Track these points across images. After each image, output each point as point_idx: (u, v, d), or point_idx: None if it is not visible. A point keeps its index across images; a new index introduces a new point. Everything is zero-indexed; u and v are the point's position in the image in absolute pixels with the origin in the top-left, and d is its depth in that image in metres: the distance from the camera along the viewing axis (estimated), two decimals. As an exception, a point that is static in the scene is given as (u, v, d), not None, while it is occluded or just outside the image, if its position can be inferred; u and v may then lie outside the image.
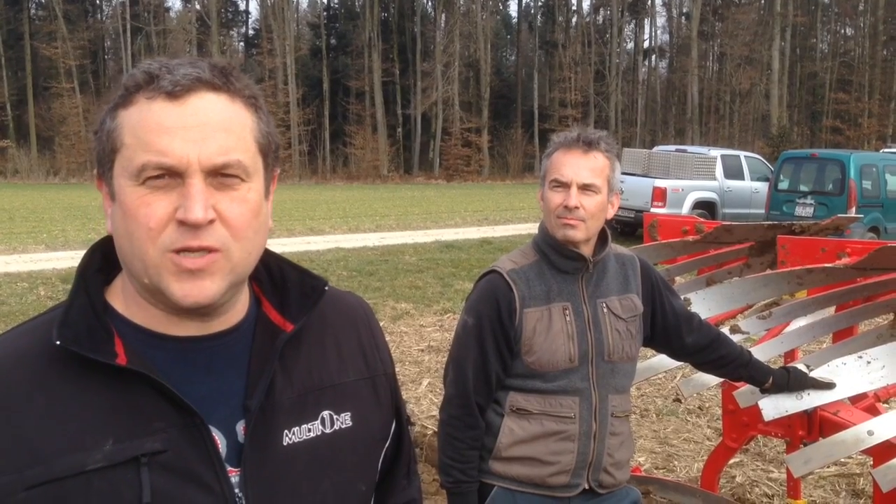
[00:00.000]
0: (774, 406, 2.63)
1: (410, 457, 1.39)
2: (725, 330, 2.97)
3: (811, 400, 2.65)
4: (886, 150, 22.01)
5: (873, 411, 3.21)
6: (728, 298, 3.20)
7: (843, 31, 59.51)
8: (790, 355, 3.52)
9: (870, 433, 2.63)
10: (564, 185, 2.28)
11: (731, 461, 4.47)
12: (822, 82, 54.73)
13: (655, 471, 4.92)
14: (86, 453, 0.97)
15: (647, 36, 62.31)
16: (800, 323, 3.28)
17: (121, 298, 1.08)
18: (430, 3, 56.72)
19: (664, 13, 61.99)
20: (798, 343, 3.31)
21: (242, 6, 61.26)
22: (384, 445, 1.27)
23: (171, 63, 1.00)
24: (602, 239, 2.39)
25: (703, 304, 3.12)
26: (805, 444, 3.06)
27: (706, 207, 17.09)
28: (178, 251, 0.98)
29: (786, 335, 3.24)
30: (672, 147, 20.88)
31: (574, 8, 59.23)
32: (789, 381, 2.61)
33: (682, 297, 2.73)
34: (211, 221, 0.98)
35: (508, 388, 2.35)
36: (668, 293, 2.51)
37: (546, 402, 2.31)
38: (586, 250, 2.33)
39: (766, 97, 51.74)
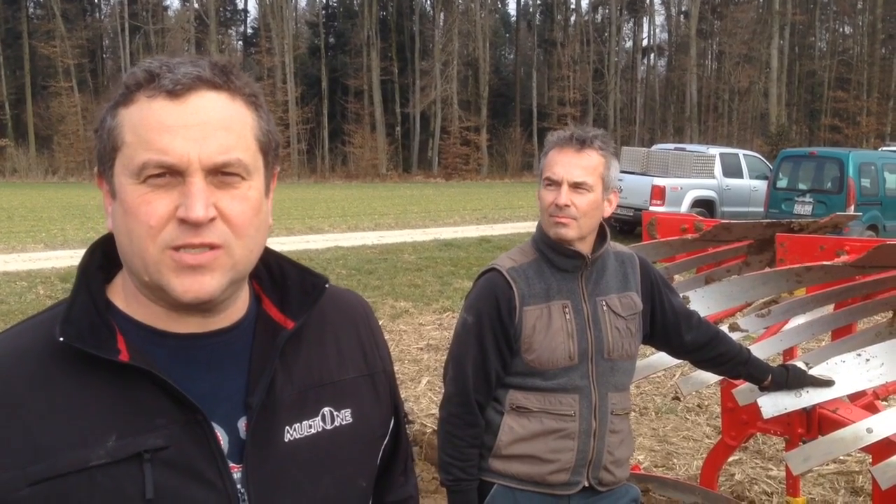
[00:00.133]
0: (773, 404, 2.63)
1: (407, 454, 1.40)
2: (724, 328, 2.97)
3: (810, 398, 2.65)
4: (885, 148, 22.03)
5: (872, 409, 3.21)
6: (727, 296, 3.20)
7: (841, 29, 59.55)
8: (789, 353, 3.52)
9: (869, 431, 2.63)
10: (556, 184, 2.29)
11: (731, 459, 4.47)
12: (820, 81, 54.76)
13: (655, 469, 4.92)
14: (89, 449, 0.97)
15: (645, 34, 62.39)
16: (799, 321, 3.28)
17: (122, 296, 1.09)
18: (428, 2, 56.71)
19: (663, 11, 62.01)
20: (797, 341, 3.32)
21: (241, 5, 61.20)
22: (383, 442, 1.28)
23: (172, 62, 1.00)
24: (601, 236, 2.40)
25: (702, 303, 3.12)
26: (804, 442, 3.06)
27: (705, 206, 17.11)
28: (178, 248, 0.98)
29: (785, 333, 3.24)
30: (671, 145, 20.91)
31: (573, 6, 59.28)
32: (788, 378, 2.61)
33: (681, 296, 2.73)
34: (212, 219, 0.98)
35: (508, 386, 2.35)
36: (667, 291, 2.52)
37: (546, 400, 2.31)
38: (583, 248, 2.34)
39: (764, 95, 51.75)
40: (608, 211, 2.37)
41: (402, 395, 1.34)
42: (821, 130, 51.53)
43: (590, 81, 53.74)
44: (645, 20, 61.29)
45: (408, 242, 16.09)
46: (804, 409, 2.99)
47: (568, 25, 58.29)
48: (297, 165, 47.50)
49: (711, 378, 3.36)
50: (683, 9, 58.52)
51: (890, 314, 3.34)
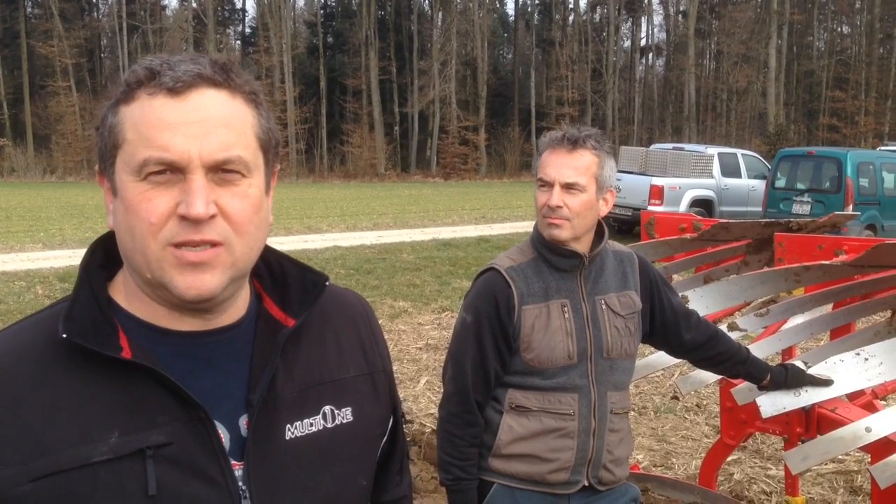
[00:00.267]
0: (772, 403, 2.64)
1: (404, 453, 1.41)
2: (723, 327, 2.97)
3: (809, 397, 2.65)
4: (883, 147, 22.06)
5: (871, 408, 3.22)
6: (725, 296, 3.20)
7: (839, 28, 59.60)
8: (788, 352, 3.52)
9: (868, 430, 2.63)
10: (548, 185, 2.30)
11: (729, 458, 4.48)
12: (818, 80, 54.81)
13: (654, 468, 4.92)
14: (91, 445, 0.98)
15: (644, 34, 62.41)
16: (797, 320, 3.28)
17: (123, 294, 1.09)
18: (426, 2, 56.71)
19: (661, 11, 62.03)
20: (796, 340, 3.32)
21: (239, 4, 61.18)
22: (382, 441, 1.29)
23: (173, 59, 1.01)
24: (598, 235, 2.40)
25: (701, 302, 3.12)
26: (803, 441, 3.07)
27: (703, 205, 17.12)
28: (179, 245, 0.98)
29: (783, 332, 3.24)
30: (669, 145, 20.92)
31: (571, 6, 59.31)
32: (787, 377, 2.61)
33: (679, 295, 2.73)
34: (212, 216, 0.99)
35: (507, 386, 2.35)
36: (666, 290, 2.52)
37: (545, 399, 2.31)
38: (580, 247, 2.34)
39: (762, 95, 51.80)
40: (604, 210, 2.37)
41: (401, 395, 1.34)
42: (819, 130, 51.60)
43: (588, 81, 53.76)
44: (643, 20, 61.37)
45: (406, 242, 16.09)
46: (803, 409, 2.99)
47: (566, 25, 58.30)
48: (296, 165, 47.48)
49: (710, 377, 3.36)
50: (681, 8, 58.58)
51: (888, 313, 3.34)
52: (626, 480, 2.49)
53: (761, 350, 2.98)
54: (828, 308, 3.39)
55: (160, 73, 0.99)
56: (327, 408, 1.16)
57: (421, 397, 6.26)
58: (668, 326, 2.50)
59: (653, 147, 20.07)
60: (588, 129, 2.35)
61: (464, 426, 2.35)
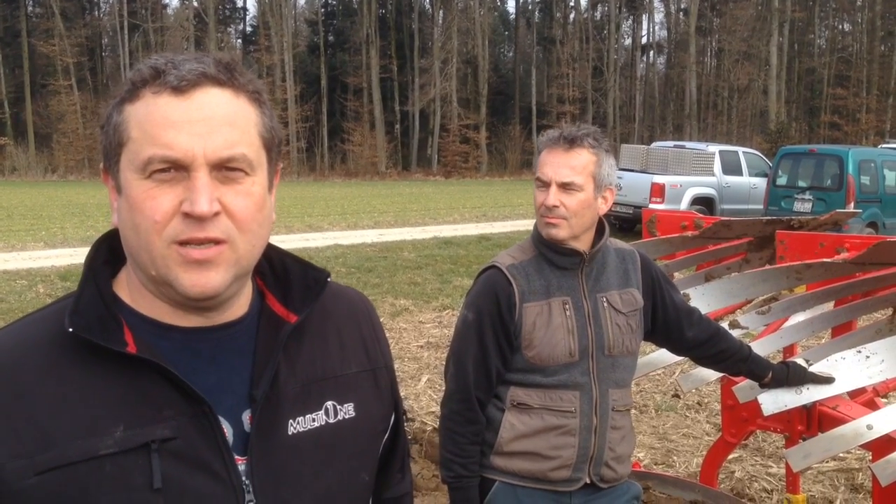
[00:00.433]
0: (774, 401, 2.64)
1: (405, 450, 1.41)
2: (724, 325, 2.97)
3: (810, 395, 2.65)
4: (885, 145, 22.04)
5: (872, 406, 3.22)
6: (727, 294, 3.20)
7: (840, 26, 59.51)
8: (789, 350, 3.52)
9: (869, 427, 2.63)
10: (545, 184, 2.30)
11: (731, 456, 4.48)
12: (820, 78, 54.72)
13: (655, 466, 4.93)
14: (97, 439, 0.98)
15: (644, 32, 62.35)
16: (799, 318, 3.28)
17: (127, 290, 1.10)
18: (427, 0, 56.64)
19: (662, 9, 61.93)
20: (797, 338, 3.32)
21: (240, 3, 61.04)
22: (384, 437, 1.29)
23: (177, 58, 1.02)
24: (599, 232, 2.40)
25: (702, 300, 3.12)
26: (804, 439, 3.07)
27: (704, 203, 17.10)
28: (183, 242, 0.99)
29: (785, 330, 3.25)
30: (670, 143, 20.90)
31: (572, 4, 59.19)
32: (788, 375, 2.61)
33: (681, 293, 2.73)
34: (216, 214, 0.99)
35: (509, 383, 2.36)
36: (668, 287, 2.52)
37: (547, 397, 2.31)
38: (580, 246, 2.34)
39: (764, 93, 51.72)
40: (603, 209, 2.37)
41: (403, 393, 1.35)
42: (820, 128, 51.51)
43: (589, 79, 53.70)
44: (644, 17, 61.34)
45: (407, 240, 16.09)
46: (804, 407, 3.00)
47: (567, 23, 58.25)
48: (297, 163, 47.47)
49: (711, 375, 3.37)
50: (683, 6, 58.51)
51: (890, 311, 3.34)
52: (627, 478, 2.49)
53: (763, 348, 2.98)
54: (829, 306, 3.39)
55: (165, 71, 1.00)
56: (329, 403, 1.17)
57: (422, 395, 6.27)
58: (670, 324, 2.50)
59: (654, 145, 20.06)
60: (587, 127, 2.35)
61: (465, 424, 2.35)
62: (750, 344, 2.79)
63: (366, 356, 1.25)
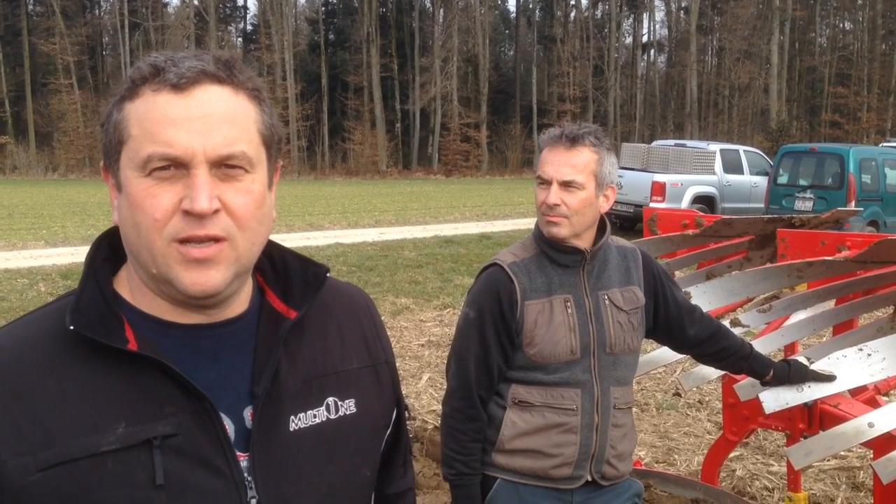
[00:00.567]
0: (775, 399, 2.64)
1: (407, 446, 1.42)
2: (726, 323, 2.97)
3: (812, 392, 2.65)
4: (886, 144, 22.02)
5: (874, 404, 3.21)
6: (728, 292, 3.20)
7: (841, 25, 59.48)
8: (790, 348, 3.52)
9: (870, 425, 2.63)
10: (547, 183, 2.30)
11: (732, 455, 4.48)
12: (821, 76, 54.68)
13: (656, 464, 4.93)
14: (99, 436, 0.98)
15: (645, 30, 62.32)
16: (800, 316, 3.28)
17: (127, 288, 1.10)
18: (428, -1, 56.66)
19: (663, 7, 61.90)
20: (798, 336, 3.32)
21: (240, 2, 61.17)
22: (386, 433, 1.29)
23: (177, 56, 1.02)
24: (601, 230, 2.40)
25: (704, 298, 3.12)
26: (805, 437, 3.07)
27: (705, 202, 17.08)
28: (184, 241, 0.99)
29: (786, 328, 3.24)
30: (671, 142, 20.87)
31: (572, 3, 59.14)
32: (790, 373, 2.61)
33: (683, 291, 2.73)
34: (216, 211, 0.99)
35: (510, 381, 2.36)
36: (670, 285, 2.52)
37: (548, 394, 2.31)
38: (581, 244, 2.34)
39: (765, 91, 51.68)
40: (605, 207, 2.37)
41: (403, 392, 1.35)
42: (821, 126, 51.46)
43: (590, 78, 53.70)
44: (645, 16, 61.31)
45: (408, 239, 16.09)
46: (805, 405, 2.99)
47: (568, 21, 58.23)
48: (298, 162, 47.49)
49: (712, 374, 3.37)
50: (683, 4, 58.46)
51: (891, 309, 3.34)
52: (629, 476, 2.49)
53: (764, 346, 2.98)
54: (830, 304, 3.39)
55: (164, 69, 1.00)
56: (331, 399, 1.17)
57: (423, 394, 6.27)
58: (671, 322, 2.50)
59: (655, 144, 20.05)
60: (588, 125, 2.35)
61: (467, 421, 2.35)
62: (751, 342, 2.79)
63: (366, 352, 1.25)
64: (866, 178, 14.81)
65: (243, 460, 1.07)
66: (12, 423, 0.97)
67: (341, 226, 18.85)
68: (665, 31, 62.69)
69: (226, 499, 1.04)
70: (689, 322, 2.52)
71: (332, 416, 1.16)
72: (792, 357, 2.84)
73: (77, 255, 12.59)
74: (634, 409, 4.95)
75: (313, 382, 1.15)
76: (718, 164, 17.73)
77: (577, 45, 54.74)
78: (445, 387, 2.48)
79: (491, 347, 2.32)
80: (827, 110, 52.45)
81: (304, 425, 1.12)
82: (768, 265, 3.45)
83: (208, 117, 0.99)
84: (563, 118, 43.99)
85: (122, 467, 0.99)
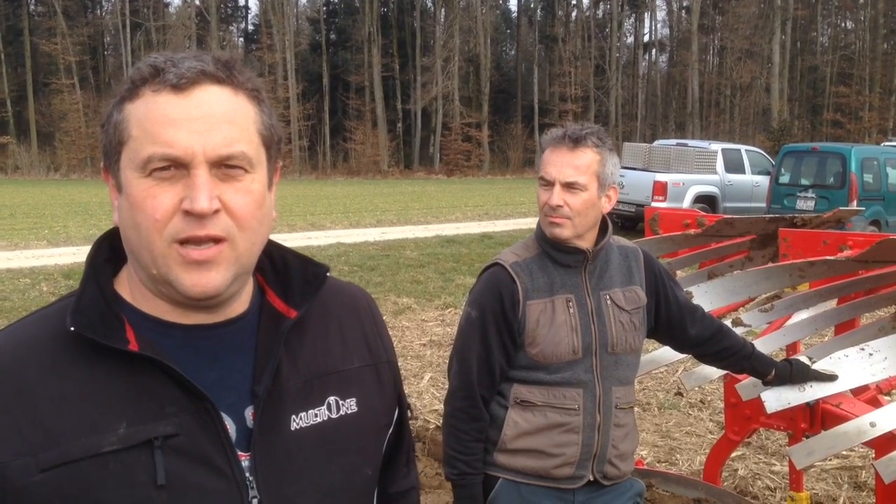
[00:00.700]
0: (777, 398, 2.63)
1: (410, 445, 1.41)
2: (727, 323, 2.97)
3: (813, 392, 2.65)
4: (887, 143, 22.00)
5: (875, 403, 3.21)
6: (730, 291, 3.20)
7: (843, 24, 59.39)
8: (792, 348, 3.52)
9: (872, 425, 2.63)
10: (549, 184, 2.30)
11: (734, 454, 4.48)
12: (822, 76, 54.61)
13: (658, 464, 4.93)
14: (100, 436, 0.99)
15: (647, 30, 62.27)
16: (802, 316, 3.28)
17: (128, 289, 1.10)
18: (429, -2, 56.64)
19: (664, 7, 61.88)
20: (800, 336, 3.32)
21: (242, 2, 61.25)
22: (388, 432, 1.29)
23: (176, 57, 1.02)
24: (602, 230, 2.40)
25: (705, 298, 3.12)
26: (807, 437, 3.07)
27: (707, 201, 17.08)
28: (184, 241, 0.99)
29: (788, 328, 3.24)
30: (673, 141, 20.86)
31: (574, 2, 59.10)
32: (792, 373, 2.61)
33: (684, 290, 2.73)
34: (216, 211, 1.00)
35: (512, 381, 2.36)
36: (672, 284, 2.52)
37: (550, 394, 2.31)
38: (583, 244, 2.34)
39: (766, 91, 51.63)
40: (607, 207, 2.37)
41: (405, 392, 1.35)
42: (823, 126, 51.40)
43: (591, 77, 53.67)
44: (646, 15, 61.25)
45: (409, 239, 16.09)
46: (807, 404, 2.99)
47: (569, 21, 58.19)
48: (299, 162, 47.49)
49: (714, 373, 3.36)
50: (685, 4, 58.40)
51: (893, 309, 3.34)
52: (631, 475, 2.49)
53: (766, 345, 2.98)
54: (832, 303, 3.38)
55: (164, 70, 1.00)
56: (332, 398, 1.17)
57: (425, 394, 6.27)
58: (673, 321, 2.50)
59: (656, 143, 20.05)
60: (590, 126, 2.35)
61: (469, 421, 2.35)
62: (753, 342, 2.78)
63: (368, 351, 1.26)
64: (868, 178, 14.80)
65: (244, 460, 1.07)
66: (14, 424, 0.97)
67: (343, 225, 18.85)
68: (666, 31, 62.74)
69: (227, 498, 1.04)
70: (690, 322, 2.52)
71: (334, 416, 1.16)
72: (794, 357, 2.83)
73: (79, 254, 12.60)
74: (636, 409, 4.94)
75: (314, 382, 1.15)
76: (720, 164, 17.72)
77: (578, 45, 54.73)
78: (447, 386, 2.48)
79: (493, 347, 2.32)
80: (829, 110, 52.37)
81: (305, 425, 1.12)
82: (770, 265, 3.45)
83: (208, 117, 1.00)
84: (565, 118, 44.05)
85: (123, 467, 0.99)
